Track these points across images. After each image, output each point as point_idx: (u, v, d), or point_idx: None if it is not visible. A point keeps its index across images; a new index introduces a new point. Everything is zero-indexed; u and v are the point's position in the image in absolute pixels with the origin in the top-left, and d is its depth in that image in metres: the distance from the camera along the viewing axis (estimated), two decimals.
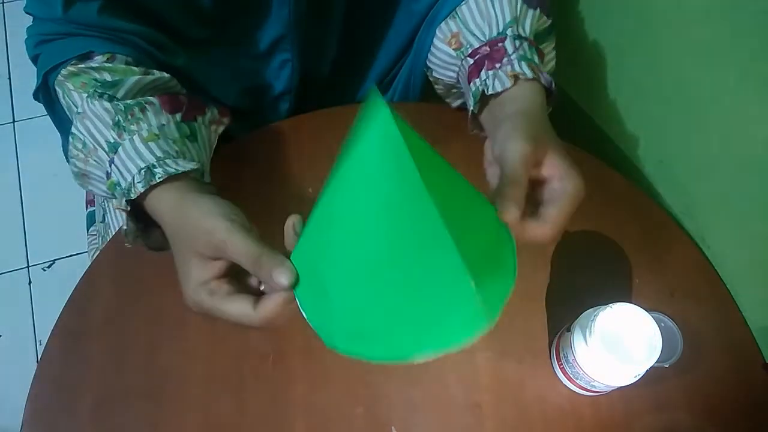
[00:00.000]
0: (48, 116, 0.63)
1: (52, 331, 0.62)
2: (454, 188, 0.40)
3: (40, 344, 1.35)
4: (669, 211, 0.73)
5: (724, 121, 0.62)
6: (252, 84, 0.74)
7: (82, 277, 0.65)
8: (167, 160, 0.50)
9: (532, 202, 0.45)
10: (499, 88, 0.54)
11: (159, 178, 0.48)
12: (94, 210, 0.89)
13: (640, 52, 0.73)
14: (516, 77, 0.54)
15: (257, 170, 0.71)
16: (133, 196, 0.49)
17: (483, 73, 0.57)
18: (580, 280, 0.65)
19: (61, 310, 0.63)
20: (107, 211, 0.79)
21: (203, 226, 0.44)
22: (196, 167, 0.51)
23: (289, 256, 0.43)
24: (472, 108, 0.57)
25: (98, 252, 0.68)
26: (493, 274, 0.39)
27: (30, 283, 1.42)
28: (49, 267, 1.43)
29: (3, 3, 1.81)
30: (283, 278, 0.40)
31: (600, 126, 0.84)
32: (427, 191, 0.34)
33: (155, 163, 0.49)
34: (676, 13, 0.65)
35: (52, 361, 0.61)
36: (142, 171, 0.49)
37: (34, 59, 0.58)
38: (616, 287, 0.66)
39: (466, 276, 0.35)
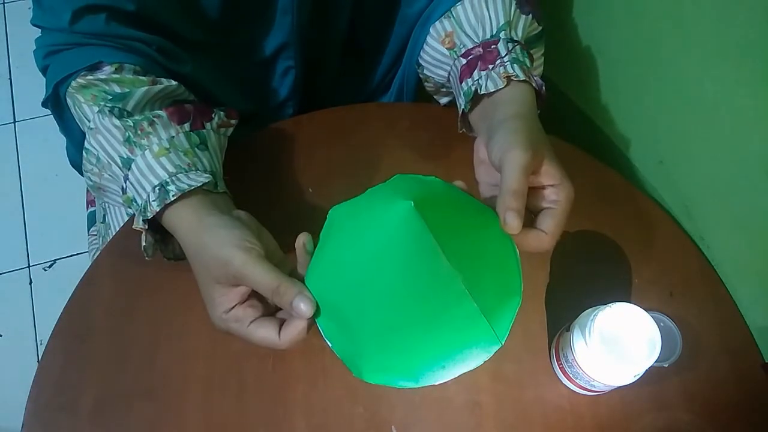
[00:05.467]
0: (49, 117, 0.63)
1: (53, 331, 0.62)
2: (465, 217, 0.45)
3: (41, 344, 1.35)
4: (669, 211, 0.73)
5: (724, 121, 0.62)
6: (257, 90, 0.75)
7: (83, 277, 0.65)
8: (179, 175, 0.51)
9: (528, 208, 0.47)
10: (492, 88, 0.55)
11: (173, 196, 0.50)
12: (95, 210, 0.89)
13: (640, 52, 0.73)
14: (509, 78, 0.55)
15: (258, 169, 0.71)
16: (149, 215, 0.50)
17: (476, 73, 0.58)
18: (579, 280, 0.65)
19: (61, 310, 0.63)
20: (108, 211, 0.80)
21: (220, 257, 0.46)
22: (208, 180, 0.52)
23: (303, 277, 0.46)
24: (463, 107, 0.58)
25: (99, 252, 0.68)
26: (503, 300, 0.43)
27: (31, 283, 1.42)
28: (49, 267, 1.44)
29: (4, 3, 1.80)
30: (303, 308, 0.43)
31: (600, 126, 0.84)
32: (440, 249, 0.41)
33: (168, 180, 0.51)
34: (675, 13, 0.65)
35: (52, 361, 0.61)
36: (156, 189, 0.51)
37: (44, 70, 0.59)
38: (615, 287, 0.66)
39: (481, 318, 0.41)
